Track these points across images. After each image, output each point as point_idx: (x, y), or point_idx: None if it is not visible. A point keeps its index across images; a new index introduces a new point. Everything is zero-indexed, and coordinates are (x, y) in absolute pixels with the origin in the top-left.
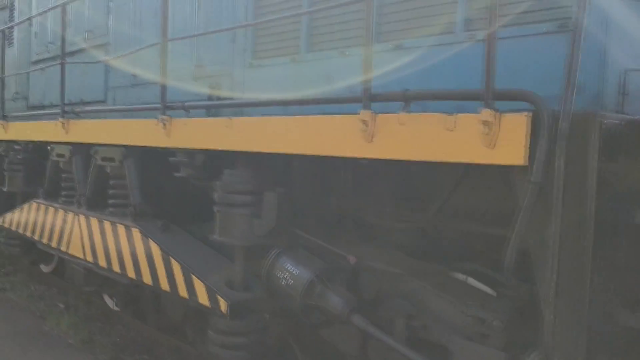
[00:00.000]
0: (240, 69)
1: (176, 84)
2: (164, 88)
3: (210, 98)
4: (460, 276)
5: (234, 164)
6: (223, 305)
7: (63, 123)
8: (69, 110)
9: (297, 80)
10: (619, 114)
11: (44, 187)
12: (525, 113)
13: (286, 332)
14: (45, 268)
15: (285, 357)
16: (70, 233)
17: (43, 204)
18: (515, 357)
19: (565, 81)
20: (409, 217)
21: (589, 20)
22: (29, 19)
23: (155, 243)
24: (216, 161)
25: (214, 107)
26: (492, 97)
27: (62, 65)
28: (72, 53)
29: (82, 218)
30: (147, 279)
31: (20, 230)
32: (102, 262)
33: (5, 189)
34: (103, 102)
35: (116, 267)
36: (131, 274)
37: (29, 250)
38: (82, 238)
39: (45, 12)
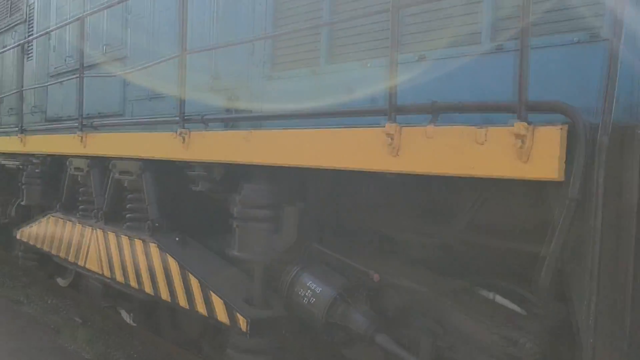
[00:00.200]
0: (258, 81)
1: (194, 96)
2: (182, 101)
3: (227, 110)
4: (487, 294)
5: (252, 178)
6: (242, 322)
7: (81, 136)
8: (86, 124)
9: (317, 92)
10: None
11: (61, 200)
12: (560, 125)
13: (307, 351)
14: (61, 282)
15: None
16: (88, 247)
17: (60, 217)
18: None
19: (603, 92)
20: (433, 232)
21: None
22: (47, 32)
23: (173, 258)
24: (234, 174)
25: (234, 120)
26: (525, 109)
27: (80, 78)
28: (90, 66)
29: (100, 232)
30: (164, 295)
31: (38, 244)
32: (119, 277)
33: (23, 203)
34: (121, 115)
35: (133, 283)
36: (149, 289)
37: (46, 264)
38: (99, 252)
39: (63, 25)
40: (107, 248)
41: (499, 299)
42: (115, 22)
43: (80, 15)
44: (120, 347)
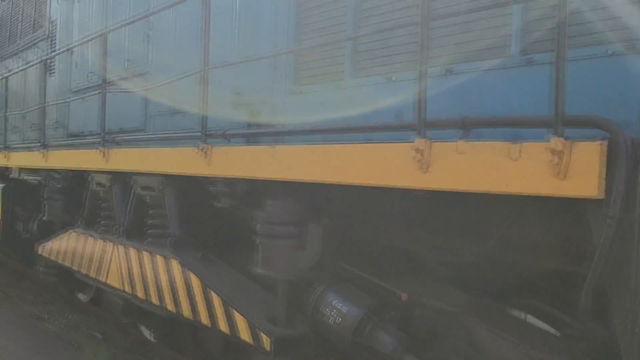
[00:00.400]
0: (281, 96)
1: (215, 111)
2: (204, 116)
3: (249, 126)
4: (518, 313)
5: (276, 194)
6: (266, 341)
7: (103, 152)
8: (108, 139)
9: (341, 106)
10: None
11: (82, 216)
12: (600, 141)
13: None
14: (82, 297)
15: None
16: (109, 263)
17: (82, 233)
18: None
19: None
20: (462, 250)
21: None
22: (70, 48)
23: (195, 275)
24: (257, 190)
25: (258, 136)
26: (562, 123)
27: (103, 94)
28: (112, 82)
29: (121, 248)
30: (186, 312)
31: (59, 260)
32: (140, 294)
33: (44, 218)
34: (142, 130)
35: (155, 299)
36: (170, 306)
37: (67, 279)
38: (120, 268)
39: (85, 41)
40: (129, 264)
41: (531, 319)
42: (136, 38)
43: (103, 31)
44: None
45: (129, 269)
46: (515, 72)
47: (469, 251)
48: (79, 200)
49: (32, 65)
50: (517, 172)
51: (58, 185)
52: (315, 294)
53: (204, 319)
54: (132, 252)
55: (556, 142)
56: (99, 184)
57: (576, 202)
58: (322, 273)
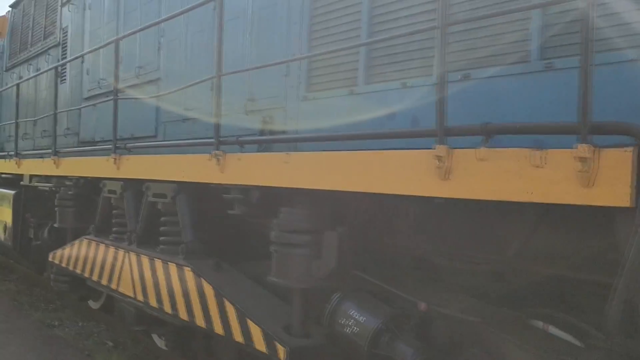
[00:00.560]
0: (294, 102)
1: (228, 118)
2: (217, 122)
3: (262, 132)
4: (539, 324)
5: (291, 201)
6: (281, 351)
7: (115, 159)
8: (120, 146)
9: (355, 112)
10: None
11: (95, 223)
12: (631, 148)
13: None
14: (93, 304)
15: None
16: (121, 271)
17: (94, 240)
18: None
19: None
20: (482, 259)
21: None
22: (82, 55)
23: (208, 283)
24: (272, 197)
25: (272, 142)
26: (589, 130)
27: (115, 101)
28: (124, 89)
29: (133, 256)
30: (200, 321)
31: (70, 267)
32: (153, 302)
33: (56, 225)
34: (154, 137)
35: (167, 308)
36: (183, 315)
37: (78, 287)
38: (132, 276)
39: (98, 48)
40: (141, 271)
41: (553, 329)
42: (148, 45)
43: (115, 38)
44: None
45: (141, 276)
46: (533, 77)
47: (488, 260)
48: (90, 207)
49: (44, 72)
50: (541, 180)
51: (69, 192)
52: (331, 303)
53: (218, 328)
54: (145, 260)
55: (583, 149)
56: (110, 191)
57: (601, 210)
58: (338, 282)
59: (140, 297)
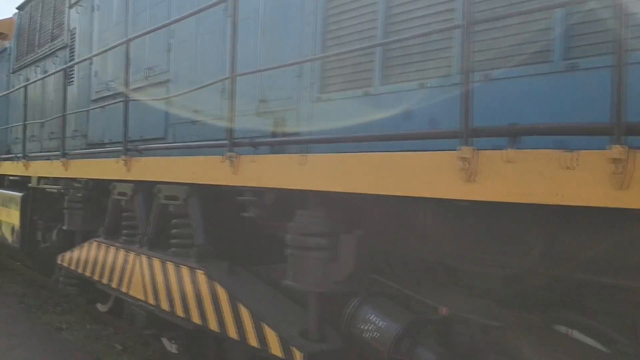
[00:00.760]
0: (307, 103)
1: (240, 119)
2: (230, 123)
3: (274, 134)
4: (564, 329)
5: (306, 204)
6: (298, 356)
7: (125, 161)
8: (131, 147)
9: (370, 114)
10: None
11: (104, 225)
12: None
13: None
14: (101, 307)
15: None
16: (131, 274)
17: (103, 243)
18: None
19: None
20: (504, 262)
21: None
22: (92, 56)
23: (222, 287)
24: (287, 200)
25: (287, 144)
26: (623, 131)
27: (126, 102)
28: (132, 90)
29: (144, 258)
30: (213, 325)
31: (79, 270)
32: (165, 305)
33: (64, 227)
34: (163, 139)
35: (179, 311)
36: (196, 319)
37: (86, 290)
38: (143, 279)
39: (108, 49)
40: (152, 275)
41: (577, 334)
42: (157, 47)
43: (126, 39)
44: None
45: (152, 279)
46: (555, 78)
47: (511, 263)
48: (99, 209)
49: (53, 74)
50: (572, 182)
51: (78, 195)
52: (350, 307)
53: (232, 332)
54: (156, 263)
55: (618, 151)
56: (121, 193)
57: (632, 213)
58: (355, 286)
59: (151, 301)
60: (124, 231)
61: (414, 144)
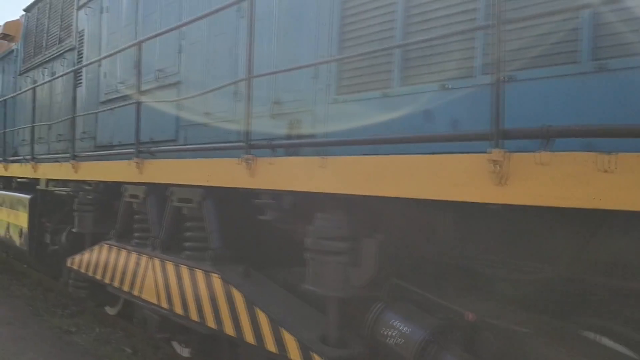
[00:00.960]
0: (323, 105)
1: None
2: (248, 125)
3: (289, 136)
4: (593, 335)
5: (326, 207)
6: None
7: (137, 163)
8: (143, 149)
9: (389, 115)
10: None
11: (115, 228)
12: None
13: None
14: (110, 310)
15: None
16: (144, 277)
17: (115, 245)
18: None
19: None
20: (530, 267)
21: None
22: (103, 58)
23: (238, 291)
24: (305, 203)
25: (307, 146)
26: None
27: (138, 104)
28: (142, 92)
29: (157, 261)
30: (229, 329)
31: (90, 273)
32: (179, 309)
33: (74, 230)
34: (174, 141)
35: (194, 315)
36: (211, 323)
37: (97, 293)
38: (156, 283)
39: (118, 51)
40: (165, 278)
41: (607, 341)
42: (168, 48)
43: (137, 40)
44: None
45: (165, 283)
46: (583, 79)
47: (537, 268)
48: (110, 212)
49: (63, 76)
50: (610, 185)
51: (89, 197)
52: (373, 313)
53: (249, 337)
54: (169, 266)
55: None
56: (132, 195)
57: None
58: (377, 291)
59: (164, 304)
60: (136, 234)
61: (434, 146)
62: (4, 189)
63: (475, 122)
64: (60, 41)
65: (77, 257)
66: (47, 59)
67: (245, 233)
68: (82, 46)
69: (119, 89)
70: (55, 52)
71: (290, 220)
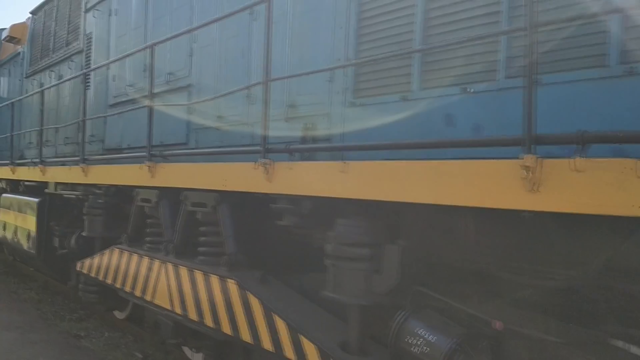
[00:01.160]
0: (339, 108)
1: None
2: (265, 129)
3: (304, 140)
4: (622, 344)
5: (346, 212)
6: None
7: (150, 167)
8: (156, 153)
9: (408, 119)
10: None
11: (127, 232)
12: None
13: None
14: (119, 314)
15: None
16: (156, 282)
17: (126, 250)
18: None
19: None
20: (557, 274)
21: None
22: (114, 61)
23: (255, 297)
24: (325, 208)
25: (327, 150)
26: None
27: (150, 108)
28: (153, 95)
29: (170, 266)
30: (245, 336)
31: (100, 277)
32: (193, 315)
33: (84, 234)
34: (185, 144)
35: (209, 321)
36: (226, 329)
37: (106, 297)
38: (169, 288)
39: (129, 55)
40: (179, 283)
41: (635, 349)
42: (179, 51)
43: (150, 43)
44: None
45: (179, 288)
46: (612, 83)
47: (564, 275)
48: (120, 216)
49: (72, 79)
50: None
51: (99, 201)
52: (397, 320)
53: (267, 344)
54: (183, 271)
55: None
56: (144, 199)
57: None
58: (399, 298)
59: (178, 310)
60: (148, 238)
61: (455, 152)
62: (12, 192)
63: (498, 127)
64: (68, 44)
65: (87, 261)
66: (54, 62)
67: (261, 238)
68: (89, 49)
69: (128, 92)
70: (62, 55)
71: (309, 226)
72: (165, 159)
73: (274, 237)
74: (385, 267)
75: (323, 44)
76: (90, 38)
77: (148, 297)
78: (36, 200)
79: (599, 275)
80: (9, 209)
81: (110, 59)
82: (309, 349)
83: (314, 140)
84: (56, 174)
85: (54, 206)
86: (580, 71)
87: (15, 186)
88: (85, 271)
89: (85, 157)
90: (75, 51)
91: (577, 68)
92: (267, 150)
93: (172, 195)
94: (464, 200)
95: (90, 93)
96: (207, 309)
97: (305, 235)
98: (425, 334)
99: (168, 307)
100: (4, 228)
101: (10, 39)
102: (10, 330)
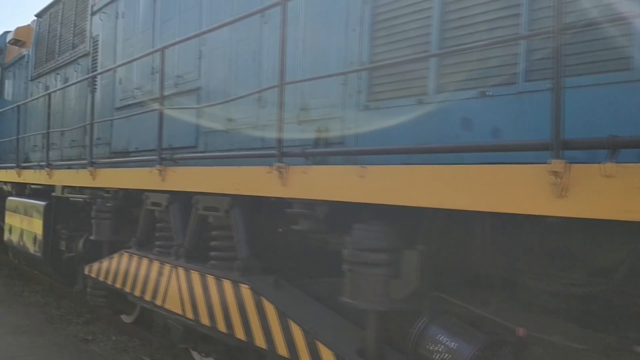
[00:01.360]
0: (353, 111)
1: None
2: (280, 132)
3: (316, 142)
4: None
5: (364, 217)
6: None
7: (160, 170)
8: (166, 157)
9: (425, 123)
10: None
11: (136, 236)
12: None
13: None
14: (126, 318)
15: None
16: (167, 286)
17: (135, 254)
18: None
19: None
20: (579, 280)
21: None
22: (123, 64)
23: (269, 302)
24: (342, 213)
25: (344, 154)
26: None
27: (161, 111)
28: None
29: (181, 271)
30: (260, 341)
31: (109, 281)
32: (205, 320)
33: (92, 238)
34: (194, 147)
35: (222, 327)
36: (240, 334)
37: (114, 301)
38: (180, 292)
39: (138, 58)
40: (190, 288)
41: None
42: (188, 54)
43: (161, 46)
44: None
45: (190, 293)
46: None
47: (587, 281)
48: (129, 220)
49: (79, 82)
50: None
51: (107, 204)
52: (417, 327)
53: (282, 350)
54: (194, 275)
55: None
56: (154, 203)
57: None
58: (419, 304)
59: (189, 315)
60: (158, 242)
61: (471, 156)
62: (17, 195)
63: (518, 131)
64: (74, 47)
65: (96, 265)
66: (60, 65)
67: (274, 242)
68: (96, 52)
69: (135, 94)
70: (68, 57)
71: (325, 231)
72: (176, 162)
73: (287, 241)
74: (404, 272)
75: (336, 46)
76: (97, 41)
77: (158, 302)
78: (43, 203)
79: (623, 281)
80: (15, 212)
81: (118, 62)
82: (326, 354)
83: (327, 143)
84: (63, 177)
85: (61, 209)
86: (602, 74)
87: (21, 189)
88: (93, 275)
89: (93, 160)
90: (82, 54)
91: (600, 71)
92: (282, 154)
93: (183, 199)
94: (488, 205)
95: (97, 96)
96: (220, 313)
97: (321, 240)
98: (447, 341)
99: (179, 311)
100: (10, 231)
101: (15, 41)
102: (18, 334)
